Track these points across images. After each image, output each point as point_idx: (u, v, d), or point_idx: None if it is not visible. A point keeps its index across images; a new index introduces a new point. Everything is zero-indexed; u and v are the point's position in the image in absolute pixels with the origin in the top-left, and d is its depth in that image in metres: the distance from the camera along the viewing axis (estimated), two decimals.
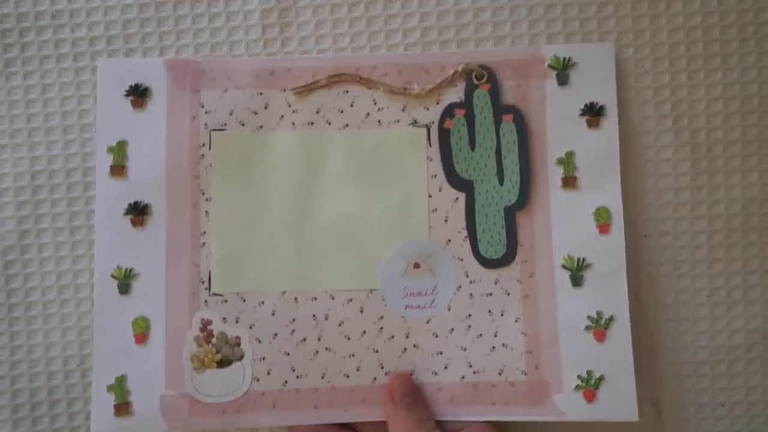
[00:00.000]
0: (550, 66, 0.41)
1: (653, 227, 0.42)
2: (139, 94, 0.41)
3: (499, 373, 0.40)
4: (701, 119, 0.42)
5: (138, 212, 0.41)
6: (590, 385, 0.40)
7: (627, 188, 0.41)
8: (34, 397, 0.41)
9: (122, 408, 0.40)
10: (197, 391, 0.40)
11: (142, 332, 0.40)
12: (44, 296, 0.41)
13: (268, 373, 0.40)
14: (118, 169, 0.41)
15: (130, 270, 0.40)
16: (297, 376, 0.40)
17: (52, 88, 0.42)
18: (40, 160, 0.41)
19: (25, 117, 0.42)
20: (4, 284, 0.41)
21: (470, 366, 0.40)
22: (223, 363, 0.40)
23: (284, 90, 0.42)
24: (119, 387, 0.40)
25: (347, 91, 0.42)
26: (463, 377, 0.40)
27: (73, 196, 0.41)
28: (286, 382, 0.40)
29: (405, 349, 0.40)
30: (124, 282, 0.40)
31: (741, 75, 0.42)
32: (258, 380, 0.40)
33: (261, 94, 0.41)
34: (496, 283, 0.41)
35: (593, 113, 0.41)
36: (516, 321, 0.40)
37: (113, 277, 0.40)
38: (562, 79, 0.41)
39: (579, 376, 0.40)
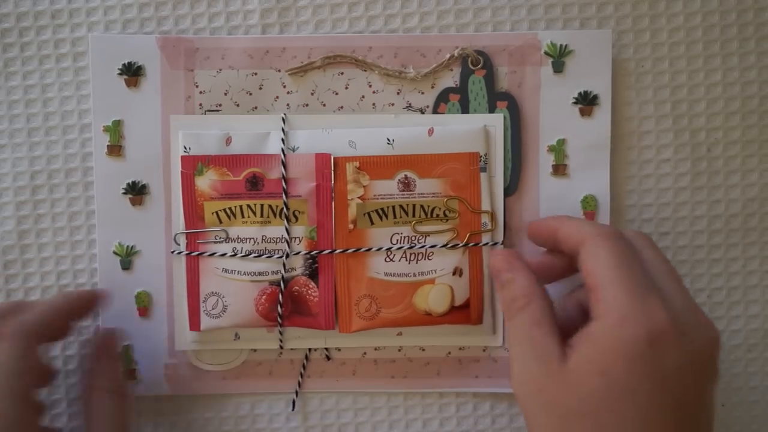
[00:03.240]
0: (546, 53, 0.41)
1: (653, 227, 0.42)
2: (132, 73, 0.41)
3: (483, 350, 0.42)
4: (701, 119, 0.42)
5: (136, 192, 0.42)
6: None
7: (627, 188, 0.42)
8: None
9: (129, 374, 0.42)
10: (198, 360, 0.42)
11: (144, 306, 0.42)
12: (44, 296, 0.42)
13: None
14: (116, 149, 0.41)
15: (132, 247, 0.42)
16: (291, 348, 0.42)
17: (52, 87, 0.42)
18: (40, 160, 0.42)
19: (24, 117, 0.42)
20: (3, 284, 0.42)
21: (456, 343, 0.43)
22: None
23: (279, 70, 0.41)
24: (126, 355, 0.42)
25: (342, 73, 0.42)
26: (449, 353, 0.43)
27: (73, 196, 0.42)
28: (281, 353, 0.42)
29: None
30: (126, 258, 0.42)
31: (741, 75, 0.42)
32: (255, 351, 0.42)
33: (255, 74, 0.41)
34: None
35: (587, 102, 0.41)
36: None
37: (115, 253, 0.42)
38: (558, 67, 0.41)
39: None
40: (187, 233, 0.41)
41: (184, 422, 0.43)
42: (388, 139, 0.41)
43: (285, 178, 0.40)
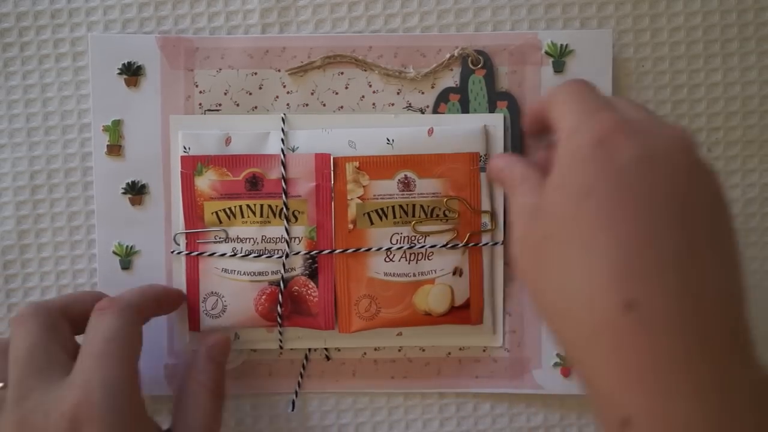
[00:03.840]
0: (546, 53, 0.41)
1: None
2: (132, 73, 0.41)
3: (483, 350, 0.42)
4: (702, 119, 0.42)
5: (136, 192, 0.42)
6: (567, 363, 0.42)
7: None
8: None
9: None
10: None
11: None
12: (43, 296, 0.42)
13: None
14: (115, 149, 0.41)
15: (131, 247, 0.42)
16: (291, 348, 0.42)
17: (51, 87, 0.42)
18: (39, 160, 0.42)
19: (24, 116, 0.42)
20: (3, 284, 0.42)
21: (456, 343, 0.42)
22: None
23: (279, 70, 0.41)
24: None
25: (342, 73, 0.41)
26: (449, 353, 0.42)
27: (72, 196, 0.42)
28: (281, 353, 0.42)
29: None
30: (126, 258, 0.42)
31: (742, 75, 0.42)
32: (254, 351, 0.42)
33: (255, 74, 0.41)
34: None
35: None
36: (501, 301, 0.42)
37: (115, 253, 0.42)
38: (558, 66, 0.41)
39: (558, 354, 0.42)
40: (186, 233, 0.41)
41: None
42: (388, 139, 0.41)
43: (285, 178, 0.40)
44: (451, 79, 0.41)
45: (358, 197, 0.41)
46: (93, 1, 0.41)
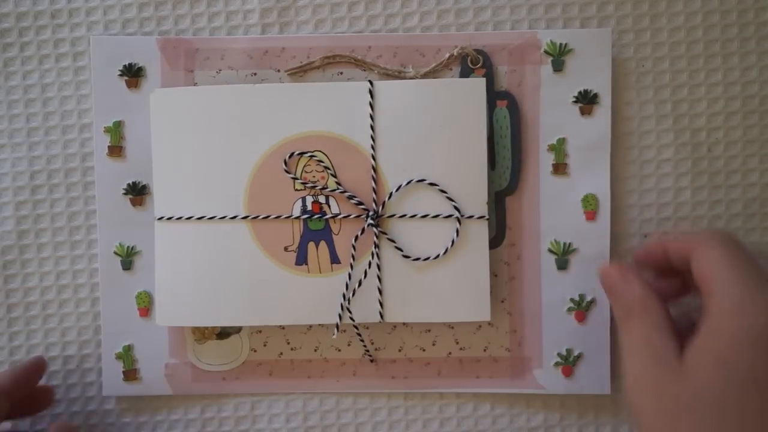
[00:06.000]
0: (545, 52, 0.41)
1: (654, 227, 0.42)
2: (133, 74, 0.41)
3: (484, 350, 0.42)
4: (702, 119, 0.42)
5: (137, 192, 0.42)
6: (569, 362, 0.42)
7: (627, 188, 0.42)
8: None
9: (130, 374, 0.42)
10: (198, 360, 0.42)
11: (145, 306, 0.42)
12: (43, 296, 0.42)
13: (264, 345, 0.42)
14: (116, 150, 0.42)
15: (132, 247, 0.42)
16: (291, 348, 0.42)
17: (51, 87, 0.42)
18: (39, 160, 0.42)
19: (24, 116, 0.42)
20: (2, 284, 0.42)
21: (457, 343, 0.42)
22: (222, 335, 0.43)
23: (278, 70, 0.41)
24: (126, 355, 0.42)
25: (341, 73, 0.42)
26: (449, 353, 0.42)
27: (72, 196, 0.42)
28: (281, 353, 0.42)
29: (394, 326, 0.42)
30: (127, 259, 0.42)
31: (742, 75, 0.41)
32: (255, 351, 0.42)
33: (255, 74, 0.41)
34: None
35: (587, 101, 0.41)
36: (502, 301, 0.42)
37: (116, 254, 0.42)
38: (558, 66, 0.41)
39: (559, 354, 0.42)
40: None
41: (184, 422, 0.43)
42: None
43: None
44: (450, 78, 0.41)
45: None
46: (93, 1, 0.42)
